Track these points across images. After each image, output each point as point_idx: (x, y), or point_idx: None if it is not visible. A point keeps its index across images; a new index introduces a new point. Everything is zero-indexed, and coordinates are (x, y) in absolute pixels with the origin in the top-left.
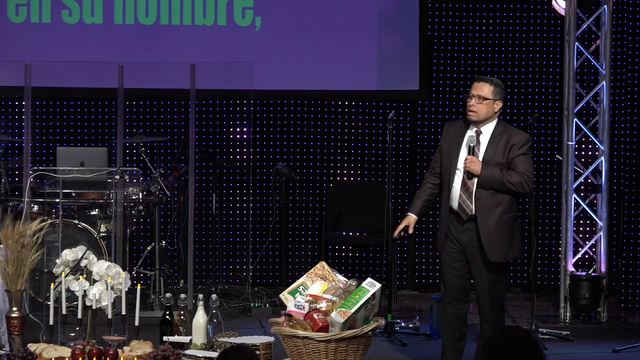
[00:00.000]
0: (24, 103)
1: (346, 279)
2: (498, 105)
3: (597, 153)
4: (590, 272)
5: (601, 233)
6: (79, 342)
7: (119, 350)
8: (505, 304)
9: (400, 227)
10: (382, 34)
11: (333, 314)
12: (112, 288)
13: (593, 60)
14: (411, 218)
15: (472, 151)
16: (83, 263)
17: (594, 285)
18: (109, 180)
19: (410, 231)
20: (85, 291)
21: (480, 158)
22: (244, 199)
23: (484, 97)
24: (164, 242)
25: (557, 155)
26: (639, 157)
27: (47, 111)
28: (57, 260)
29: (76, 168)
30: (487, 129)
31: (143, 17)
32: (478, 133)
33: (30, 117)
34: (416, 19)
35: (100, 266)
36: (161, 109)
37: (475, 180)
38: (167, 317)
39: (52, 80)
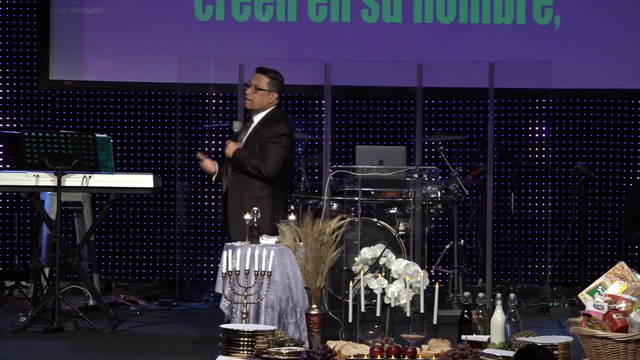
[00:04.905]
0: (323, 102)
1: None
2: (274, 96)
3: None
4: None
5: None
6: (377, 340)
7: (418, 349)
8: None
9: None
10: None
11: (633, 314)
12: (410, 286)
13: None
14: None
15: (236, 137)
16: (382, 261)
17: None
18: (407, 179)
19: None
20: (383, 289)
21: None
22: (543, 198)
23: (259, 87)
24: (462, 240)
25: None
26: None
27: (346, 110)
28: (356, 258)
29: (375, 166)
30: (257, 118)
31: (442, 16)
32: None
33: (330, 115)
34: None
35: (398, 264)
36: (460, 108)
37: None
38: (466, 315)
39: (352, 78)
